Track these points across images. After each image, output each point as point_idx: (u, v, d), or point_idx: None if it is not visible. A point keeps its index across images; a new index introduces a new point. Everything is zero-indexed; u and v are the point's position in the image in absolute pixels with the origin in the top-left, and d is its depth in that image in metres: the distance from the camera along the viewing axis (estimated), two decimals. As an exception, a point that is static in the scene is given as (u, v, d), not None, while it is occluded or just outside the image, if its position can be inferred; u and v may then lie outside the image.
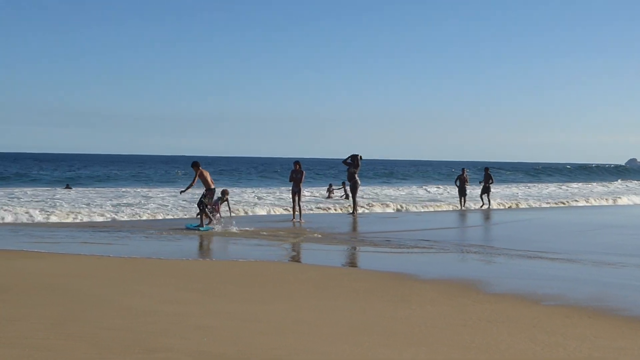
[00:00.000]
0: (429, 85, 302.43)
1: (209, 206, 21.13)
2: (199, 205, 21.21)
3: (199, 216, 21.33)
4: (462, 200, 34.02)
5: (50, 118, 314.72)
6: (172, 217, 25.88)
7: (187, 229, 20.82)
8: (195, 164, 21.41)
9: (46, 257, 14.07)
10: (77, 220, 23.63)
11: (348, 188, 37.91)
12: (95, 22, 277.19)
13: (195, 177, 21.25)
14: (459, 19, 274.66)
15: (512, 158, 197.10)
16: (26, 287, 10.36)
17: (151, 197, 35.74)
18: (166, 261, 13.73)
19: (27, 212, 24.87)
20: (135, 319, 8.14)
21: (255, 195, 39.83)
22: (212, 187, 21.27)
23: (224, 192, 26.45)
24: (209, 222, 21.03)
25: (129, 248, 16.15)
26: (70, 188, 41.94)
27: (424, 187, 55.01)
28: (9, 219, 23.51)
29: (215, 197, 21.82)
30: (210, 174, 21.73)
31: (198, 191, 22.79)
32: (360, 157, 28.12)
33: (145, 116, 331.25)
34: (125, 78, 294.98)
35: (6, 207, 26.69)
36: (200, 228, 20.71)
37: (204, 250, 16.91)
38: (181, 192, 22.63)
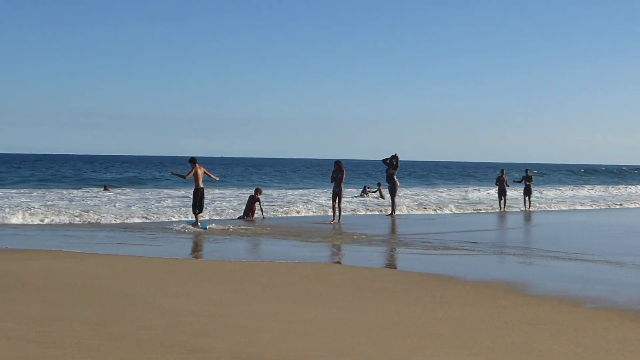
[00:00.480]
0: (472, 86, 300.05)
1: (197, 206, 21.69)
2: (193, 205, 21.89)
3: (194, 215, 21.82)
4: (502, 202, 33.78)
5: (91, 120, 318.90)
6: (207, 218, 26.05)
7: (203, 229, 20.98)
8: (193, 160, 21.92)
9: (87, 258, 14.24)
10: (114, 222, 23.88)
11: (383, 189, 37.97)
12: (127, 22, 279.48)
13: (190, 172, 21.93)
14: (505, 18, 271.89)
15: (558, 160, 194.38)
16: (68, 288, 10.50)
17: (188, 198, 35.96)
18: (205, 262, 13.84)
19: (67, 213, 25.27)
20: (174, 319, 8.20)
21: (294, 196, 39.93)
22: (201, 186, 21.78)
23: (257, 191, 26.70)
24: (197, 222, 21.52)
25: (168, 249, 16.28)
26: (108, 190, 42.40)
27: (463, 188, 54.79)
28: (48, 220, 23.86)
29: (252, 199, 22.25)
30: (205, 172, 22.22)
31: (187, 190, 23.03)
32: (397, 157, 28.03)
33: (182, 118, 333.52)
34: (163, 80, 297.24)
35: (46, 208, 27.11)
36: (198, 226, 21.17)
37: (242, 251, 16.98)
38: (172, 173, 24.13)
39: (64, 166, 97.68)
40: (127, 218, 24.92)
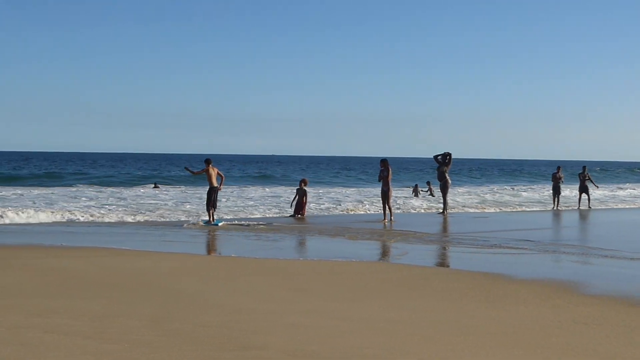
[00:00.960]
0: (529, 83, 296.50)
1: (211, 203, 22.40)
2: (207, 204, 22.65)
3: (211, 212, 22.50)
4: (556, 200, 33.36)
5: (145, 120, 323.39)
6: (260, 216, 26.25)
7: (215, 225, 21.66)
8: (207, 160, 22.98)
9: (141, 255, 14.44)
10: (164, 219, 24.23)
11: (434, 187, 37.81)
12: (186, 21, 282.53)
13: (201, 170, 23.08)
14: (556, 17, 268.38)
15: (620, 157, 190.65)
16: (125, 284, 10.68)
17: (242, 196, 36.30)
18: (259, 260, 13.90)
19: (117, 211, 25.77)
20: (230, 316, 8.29)
21: (346, 195, 39.98)
22: (215, 185, 22.56)
23: (304, 182, 26.98)
24: (210, 220, 22.27)
25: (224, 247, 16.44)
26: (158, 187, 43.09)
27: (516, 186, 54.27)
28: (107, 218, 24.25)
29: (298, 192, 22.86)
30: (219, 173, 23.02)
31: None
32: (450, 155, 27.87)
33: (238, 117, 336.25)
34: (218, 80, 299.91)
35: (99, 207, 27.57)
36: (210, 223, 21.93)
37: (296, 249, 17.07)
38: (185, 168, 25.27)
39: (124, 164, 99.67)
40: (161, 216, 25.25)
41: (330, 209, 30.52)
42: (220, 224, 21.73)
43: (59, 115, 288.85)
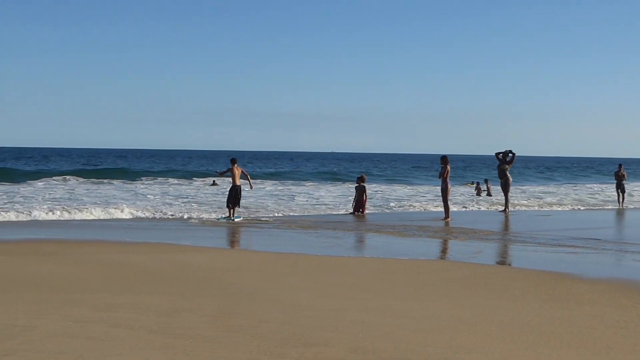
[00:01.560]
0: (595, 80, 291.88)
1: (232, 200, 23.35)
2: (227, 201, 23.56)
3: (232, 209, 23.45)
4: (621, 198, 32.73)
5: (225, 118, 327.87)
6: (323, 213, 26.31)
7: (230, 220, 22.74)
8: (232, 160, 24.04)
9: (203, 251, 14.61)
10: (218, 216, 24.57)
11: (493, 185, 37.42)
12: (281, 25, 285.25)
13: (227, 170, 24.13)
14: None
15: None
16: (188, 280, 10.81)
17: (309, 194, 36.47)
18: (320, 257, 13.93)
19: (173, 206, 26.20)
20: (292, 313, 8.33)
21: (407, 192, 39.87)
22: (237, 184, 23.49)
23: (362, 179, 27.13)
24: (229, 215, 23.26)
25: (283, 244, 16.52)
26: (217, 185, 43.97)
27: (580, 184, 53.45)
28: (169, 214, 24.65)
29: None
30: (243, 172, 24.15)
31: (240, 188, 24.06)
32: (512, 153, 27.57)
33: (299, 114, 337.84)
34: (283, 78, 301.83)
35: (160, 204, 27.99)
36: (229, 219, 22.99)
37: (356, 246, 17.08)
38: (216, 172, 26.40)
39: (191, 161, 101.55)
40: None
41: (390, 206, 30.48)
42: (238, 219, 22.68)
43: (124, 112, 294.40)
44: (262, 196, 35.18)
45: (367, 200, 27.12)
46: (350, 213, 26.26)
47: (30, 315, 7.87)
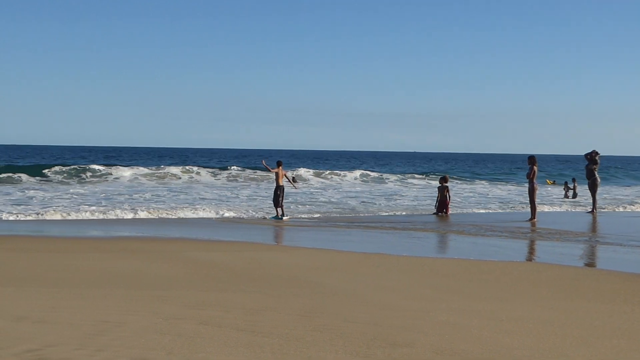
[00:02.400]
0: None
1: (280, 200, 24.14)
2: (274, 201, 24.32)
3: (278, 208, 24.23)
4: None
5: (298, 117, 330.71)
6: (409, 214, 26.23)
7: (280, 219, 23.36)
8: (278, 163, 25.02)
9: (287, 250, 14.74)
10: (304, 216, 24.72)
11: (580, 186, 36.65)
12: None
13: (272, 170, 25.07)
14: None
15: None
16: (272, 279, 10.90)
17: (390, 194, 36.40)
18: (404, 257, 13.88)
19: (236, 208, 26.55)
20: (378, 313, 8.31)
21: (491, 192, 39.42)
22: (280, 184, 24.35)
23: (445, 179, 27.06)
24: (277, 214, 23.97)
25: (368, 243, 16.52)
26: (297, 182, 44.73)
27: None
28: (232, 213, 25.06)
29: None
30: (285, 175, 25.14)
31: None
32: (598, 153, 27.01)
33: (382, 113, 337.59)
34: (362, 77, 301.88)
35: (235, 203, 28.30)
36: (277, 217, 23.68)
37: (440, 247, 16.97)
38: (262, 161, 26.67)
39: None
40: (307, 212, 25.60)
41: (476, 207, 30.22)
42: (284, 219, 23.31)
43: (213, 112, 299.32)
44: (346, 197, 35.35)
45: (451, 200, 26.94)
46: (434, 213, 26.12)
47: (120, 312, 8.06)
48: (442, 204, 26.18)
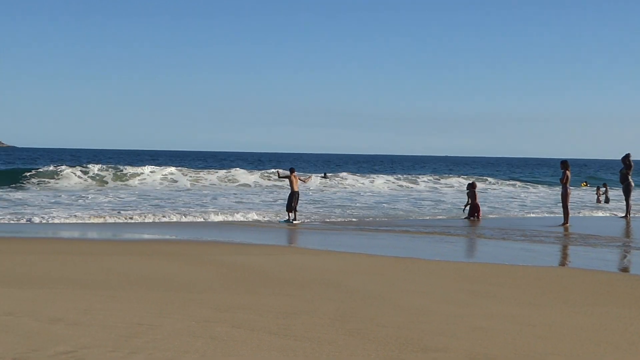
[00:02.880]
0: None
1: (293, 204, 24.46)
2: (287, 205, 24.80)
3: (290, 213, 24.61)
4: None
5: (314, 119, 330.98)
6: (440, 218, 26.17)
7: (290, 223, 23.79)
8: (291, 170, 25.85)
9: (320, 254, 14.73)
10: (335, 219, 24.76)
11: (611, 189, 36.31)
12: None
13: (285, 177, 26.15)
14: None
15: None
16: (305, 282, 10.92)
17: (412, 199, 36.29)
18: (437, 262, 13.83)
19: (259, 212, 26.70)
20: (410, 318, 8.31)
21: (526, 197, 39.18)
22: (295, 190, 24.84)
23: (473, 185, 27.06)
24: (289, 219, 24.37)
25: (400, 247, 16.49)
26: (327, 177, 46.27)
27: None
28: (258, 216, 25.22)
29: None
30: (299, 179, 25.66)
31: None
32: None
33: (403, 117, 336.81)
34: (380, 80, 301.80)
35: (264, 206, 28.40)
36: (288, 221, 24.16)
37: (472, 252, 16.90)
38: (277, 171, 27.98)
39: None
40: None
41: (508, 211, 30.07)
42: (295, 222, 23.72)
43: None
44: (378, 201, 35.32)
45: (481, 205, 26.88)
46: (465, 218, 26.03)
47: (154, 314, 8.13)
48: (474, 208, 26.10)
